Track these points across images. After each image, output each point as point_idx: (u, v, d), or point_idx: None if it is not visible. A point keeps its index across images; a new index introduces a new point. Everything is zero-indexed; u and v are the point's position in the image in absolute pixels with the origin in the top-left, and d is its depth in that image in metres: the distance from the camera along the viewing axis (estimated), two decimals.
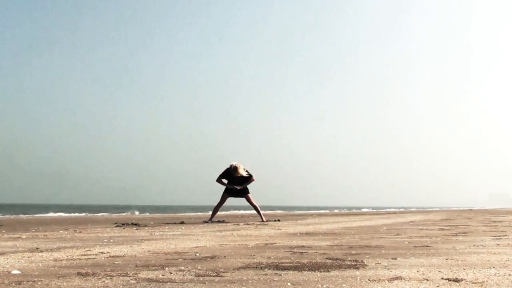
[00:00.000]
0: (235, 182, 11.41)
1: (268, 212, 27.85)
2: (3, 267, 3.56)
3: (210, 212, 14.49)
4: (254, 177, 11.52)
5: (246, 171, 11.44)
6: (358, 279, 2.94)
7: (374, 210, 37.79)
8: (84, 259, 4.08)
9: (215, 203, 11.67)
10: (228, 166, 11.39)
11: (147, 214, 27.56)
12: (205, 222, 11.36)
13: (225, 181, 11.54)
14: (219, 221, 11.53)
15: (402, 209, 51.08)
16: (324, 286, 2.74)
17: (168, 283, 2.86)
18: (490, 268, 3.39)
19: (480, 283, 2.80)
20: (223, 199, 11.58)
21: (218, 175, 11.49)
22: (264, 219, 11.72)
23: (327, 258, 3.96)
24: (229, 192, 11.54)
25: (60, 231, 7.96)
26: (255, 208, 11.78)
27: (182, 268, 3.47)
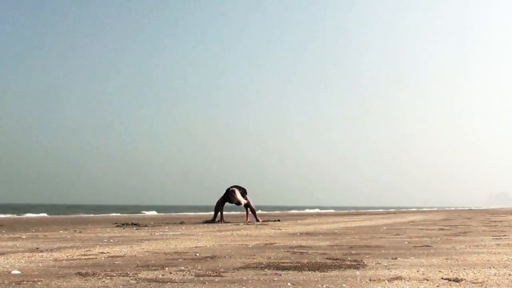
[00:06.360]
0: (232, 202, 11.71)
1: (269, 212, 27.87)
2: (3, 267, 3.56)
3: (210, 213, 14.53)
4: (252, 204, 11.76)
5: (243, 193, 11.67)
6: (358, 279, 2.94)
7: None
8: (84, 259, 4.08)
9: (215, 204, 11.69)
10: (227, 190, 11.62)
11: (148, 214, 27.58)
12: (218, 221, 11.41)
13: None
14: (218, 221, 11.52)
15: (394, 209, 51.10)
16: (324, 286, 2.74)
17: (168, 283, 2.86)
18: (490, 268, 3.39)
19: (480, 283, 2.80)
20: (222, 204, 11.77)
21: (218, 200, 11.67)
22: (258, 220, 11.75)
23: (327, 258, 3.96)
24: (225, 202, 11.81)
25: (60, 231, 7.96)
26: (252, 210, 11.82)
27: (182, 268, 3.47)
